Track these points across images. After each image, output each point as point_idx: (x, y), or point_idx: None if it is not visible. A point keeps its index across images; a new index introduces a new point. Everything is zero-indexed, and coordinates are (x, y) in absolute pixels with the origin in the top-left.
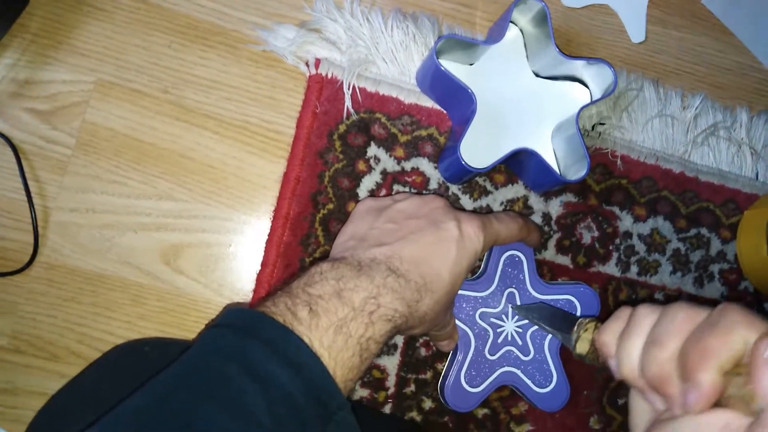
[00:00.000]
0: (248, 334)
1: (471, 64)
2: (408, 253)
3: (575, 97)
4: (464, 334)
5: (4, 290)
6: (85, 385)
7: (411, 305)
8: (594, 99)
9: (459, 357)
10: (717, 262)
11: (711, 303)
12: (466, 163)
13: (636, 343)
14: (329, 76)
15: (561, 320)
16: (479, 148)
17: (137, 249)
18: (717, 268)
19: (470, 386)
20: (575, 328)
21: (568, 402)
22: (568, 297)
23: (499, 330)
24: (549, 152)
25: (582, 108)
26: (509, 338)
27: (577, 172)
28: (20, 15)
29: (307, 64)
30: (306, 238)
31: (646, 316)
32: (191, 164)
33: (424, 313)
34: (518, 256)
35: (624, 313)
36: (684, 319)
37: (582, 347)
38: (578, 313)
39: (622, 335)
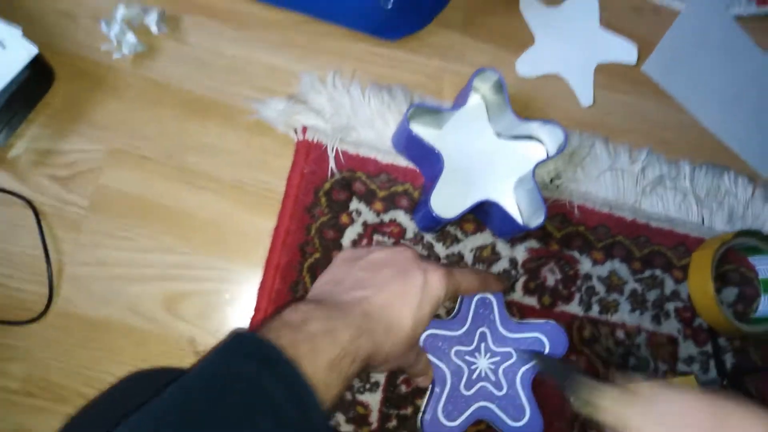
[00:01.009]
0: (265, 365)
1: (440, 128)
2: (378, 299)
3: (533, 154)
4: (440, 371)
5: (20, 338)
6: (98, 408)
7: (378, 345)
8: (549, 156)
9: (436, 391)
10: (672, 301)
11: (669, 339)
12: (436, 213)
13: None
14: (315, 141)
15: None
16: (448, 201)
17: (142, 298)
18: (672, 306)
19: (448, 420)
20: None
21: None
22: (536, 335)
23: (473, 367)
24: (512, 203)
25: (538, 164)
26: (483, 374)
27: (536, 219)
28: (46, 94)
29: (295, 131)
30: (295, 284)
31: (658, 394)
32: (192, 221)
33: (387, 353)
34: (489, 299)
35: (628, 392)
36: None
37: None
38: (546, 350)
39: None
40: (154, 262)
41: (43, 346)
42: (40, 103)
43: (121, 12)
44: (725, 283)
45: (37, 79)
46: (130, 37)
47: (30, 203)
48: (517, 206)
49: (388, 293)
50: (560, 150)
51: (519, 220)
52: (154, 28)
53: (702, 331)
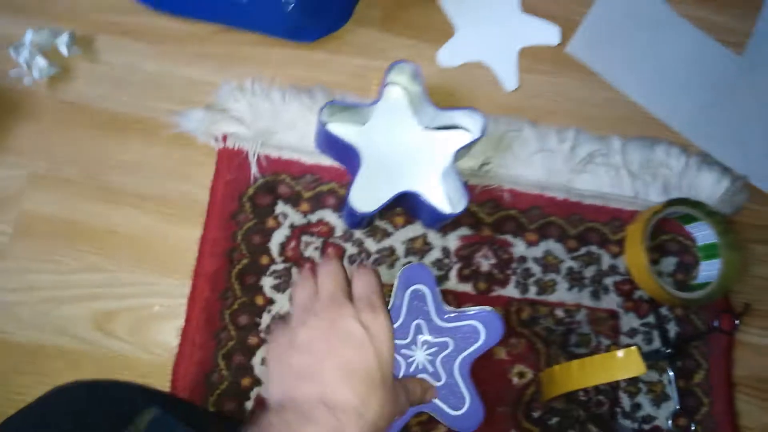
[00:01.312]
0: None
1: (363, 124)
2: (333, 380)
3: (457, 142)
4: None
5: None
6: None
7: (360, 424)
8: (468, 142)
9: None
10: (610, 276)
11: (610, 314)
12: (355, 208)
13: None
14: (236, 147)
15: None
16: (372, 195)
17: (72, 319)
18: (611, 280)
19: None
20: None
21: (484, 421)
22: (472, 323)
23: (410, 360)
24: (440, 193)
25: (457, 151)
26: (420, 366)
27: (460, 206)
28: None
29: (216, 140)
30: (224, 292)
31: None
32: (118, 238)
33: (374, 421)
34: (422, 290)
35: None
36: None
37: None
38: (482, 338)
39: None
40: (81, 283)
41: None
42: None
43: (29, 37)
44: (664, 254)
45: None
46: (40, 61)
47: None
48: (447, 196)
49: (340, 371)
50: (480, 136)
51: (444, 209)
52: (64, 51)
53: (643, 303)
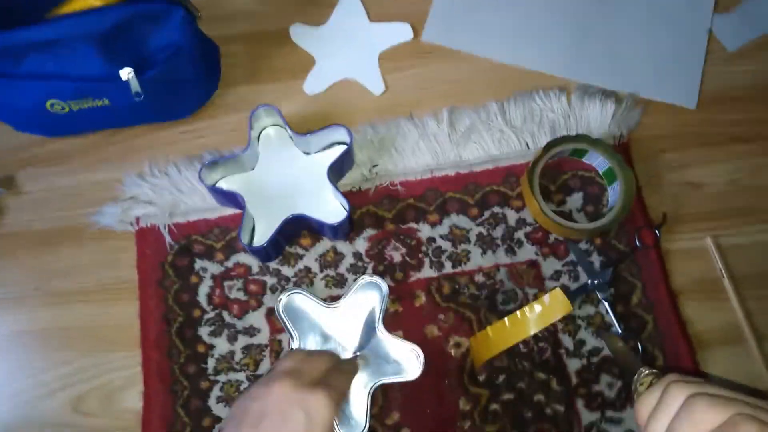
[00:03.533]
0: None
1: (252, 169)
2: None
3: (331, 157)
4: None
5: None
6: None
7: None
8: (340, 154)
9: None
10: (520, 229)
11: (530, 264)
12: (246, 244)
13: (661, 423)
14: (149, 225)
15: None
16: (267, 228)
17: (53, 409)
18: (522, 233)
19: None
20: (635, 377)
21: (433, 396)
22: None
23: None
24: (336, 207)
25: (331, 165)
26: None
27: (344, 212)
28: None
29: (131, 224)
30: (169, 350)
31: (674, 399)
32: (73, 332)
33: None
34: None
35: (658, 389)
36: (700, 420)
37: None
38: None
39: (652, 413)
40: (52, 379)
41: None
42: None
43: None
44: (568, 192)
45: None
46: None
47: None
48: (331, 207)
49: None
50: (350, 143)
51: (330, 219)
52: None
53: (560, 244)
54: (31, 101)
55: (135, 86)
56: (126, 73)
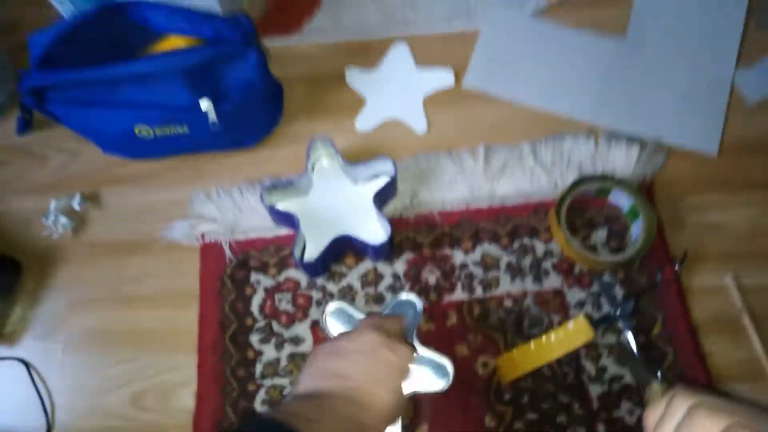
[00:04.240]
0: None
1: (307, 194)
2: (357, 382)
3: (377, 186)
4: None
5: None
6: None
7: (362, 424)
8: (385, 184)
9: None
10: (547, 260)
11: (555, 293)
12: (299, 260)
13: (666, 431)
14: (212, 241)
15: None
16: (317, 246)
17: (115, 403)
18: (549, 263)
19: None
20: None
21: (461, 411)
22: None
23: None
24: (379, 230)
25: (377, 193)
26: None
27: (385, 235)
28: (17, 282)
29: (197, 239)
30: (223, 355)
31: (677, 409)
32: (139, 333)
33: (372, 426)
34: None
35: (665, 399)
36: (699, 429)
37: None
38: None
39: (658, 422)
40: (117, 374)
41: None
42: (18, 284)
43: (53, 205)
44: (593, 228)
45: (7, 272)
46: (62, 219)
47: (23, 361)
48: (374, 230)
49: (364, 378)
50: (394, 174)
51: (373, 240)
52: (77, 207)
53: (584, 276)
54: (122, 126)
55: (212, 116)
56: (205, 104)
